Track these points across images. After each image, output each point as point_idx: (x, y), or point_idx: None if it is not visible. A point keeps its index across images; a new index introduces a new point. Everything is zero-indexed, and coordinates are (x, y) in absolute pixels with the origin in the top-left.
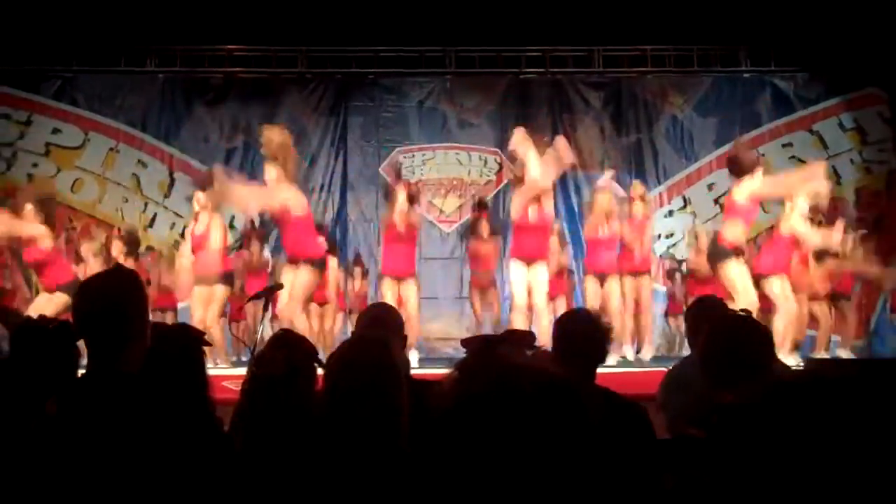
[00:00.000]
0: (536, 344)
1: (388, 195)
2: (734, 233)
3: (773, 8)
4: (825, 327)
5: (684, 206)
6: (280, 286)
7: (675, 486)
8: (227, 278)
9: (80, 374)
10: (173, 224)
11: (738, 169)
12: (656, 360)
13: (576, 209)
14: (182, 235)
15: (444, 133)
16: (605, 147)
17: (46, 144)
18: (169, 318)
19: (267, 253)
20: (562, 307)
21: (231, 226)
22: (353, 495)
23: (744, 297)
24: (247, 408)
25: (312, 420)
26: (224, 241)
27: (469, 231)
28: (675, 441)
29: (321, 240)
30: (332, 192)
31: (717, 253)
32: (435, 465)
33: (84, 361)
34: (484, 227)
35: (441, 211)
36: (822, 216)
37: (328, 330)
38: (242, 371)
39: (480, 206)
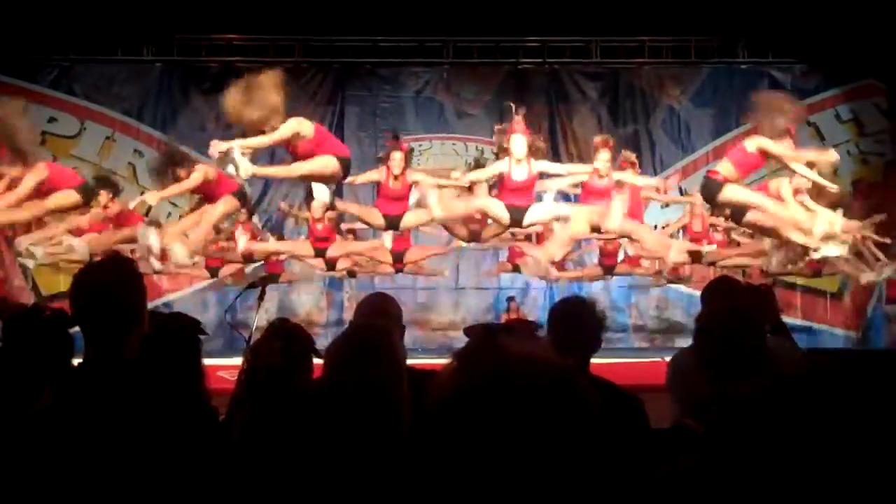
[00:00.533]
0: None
1: (385, 158)
2: (727, 169)
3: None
4: None
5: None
6: (275, 277)
7: (667, 477)
8: None
9: (77, 362)
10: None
11: (764, 128)
12: (655, 349)
13: (572, 201)
14: None
15: (441, 123)
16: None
17: (43, 133)
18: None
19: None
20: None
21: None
22: (353, 485)
23: (772, 207)
24: (243, 397)
25: (309, 409)
26: None
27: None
28: (671, 432)
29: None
30: None
31: (710, 186)
32: (433, 455)
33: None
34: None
35: None
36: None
37: None
38: (238, 361)
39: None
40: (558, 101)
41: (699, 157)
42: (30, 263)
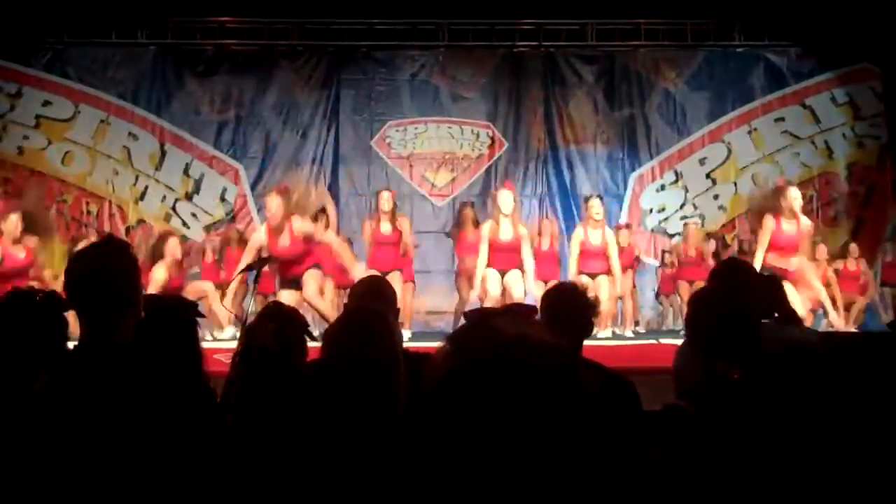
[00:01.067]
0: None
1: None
2: None
3: None
4: None
5: (676, 181)
6: (273, 259)
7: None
8: None
9: (71, 346)
10: (164, 197)
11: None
12: (648, 333)
13: (567, 185)
14: (174, 209)
15: (436, 106)
16: (597, 121)
17: (37, 117)
18: None
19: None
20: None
21: (222, 199)
22: (349, 468)
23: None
24: (238, 380)
25: (304, 392)
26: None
27: (456, 223)
28: (663, 413)
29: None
30: (323, 165)
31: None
32: (429, 438)
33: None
34: (469, 219)
35: (433, 185)
36: (814, 190)
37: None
38: (233, 344)
39: (464, 206)
40: (554, 85)
41: (695, 141)
42: None
